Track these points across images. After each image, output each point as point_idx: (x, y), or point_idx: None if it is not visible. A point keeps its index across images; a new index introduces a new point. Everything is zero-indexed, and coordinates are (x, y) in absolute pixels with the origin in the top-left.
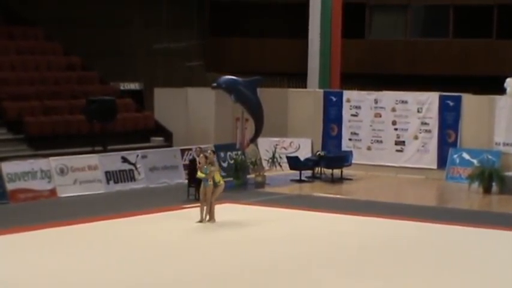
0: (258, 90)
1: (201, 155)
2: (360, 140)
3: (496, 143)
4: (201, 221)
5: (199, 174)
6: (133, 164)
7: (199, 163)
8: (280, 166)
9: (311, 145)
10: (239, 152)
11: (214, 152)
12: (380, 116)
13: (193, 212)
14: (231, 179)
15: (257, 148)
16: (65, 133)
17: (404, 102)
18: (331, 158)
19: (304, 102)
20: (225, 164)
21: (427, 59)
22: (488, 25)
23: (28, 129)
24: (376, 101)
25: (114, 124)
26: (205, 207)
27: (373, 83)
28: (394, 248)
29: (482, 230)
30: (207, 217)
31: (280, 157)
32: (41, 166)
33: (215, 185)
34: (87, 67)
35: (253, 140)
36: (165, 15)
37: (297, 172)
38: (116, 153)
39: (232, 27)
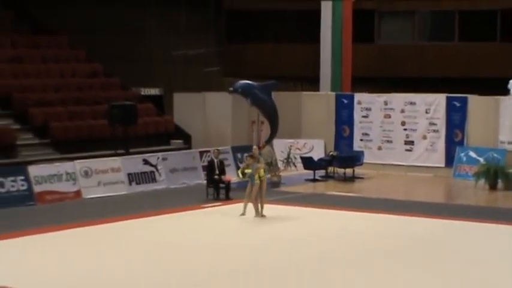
0: (273, 94)
1: (248, 157)
2: (371, 140)
3: (501, 142)
4: (243, 214)
5: (247, 170)
6: (155, 166)
7: (247, 163)
8: (295, 166)
9: (324, 146)
10: None
11: (258, 148)
12: (390, 117)
13: (213, 210)
14: (247, 179)
15: (272, 149)
16: (89, 137)
17: (412, 103)
18: (343, 158)
19: (317, 104)
20: (241, 165)
21: (434, 62)
22: (492, 29)
23: (54, 134)
24: (385, 103)
25: (136, 128)
26: (248, 204)
27: (383, 85)
28: (404, 243)
29: (488, 225)
30: (261, 212)
31: (295, 157)
32: (66, 169)
33: (260, 180)
34: (109, 74)
35: (269, 141)
36: (183, 23)
37: (311, 172)
38: (137, 155)
39: (247, 34)
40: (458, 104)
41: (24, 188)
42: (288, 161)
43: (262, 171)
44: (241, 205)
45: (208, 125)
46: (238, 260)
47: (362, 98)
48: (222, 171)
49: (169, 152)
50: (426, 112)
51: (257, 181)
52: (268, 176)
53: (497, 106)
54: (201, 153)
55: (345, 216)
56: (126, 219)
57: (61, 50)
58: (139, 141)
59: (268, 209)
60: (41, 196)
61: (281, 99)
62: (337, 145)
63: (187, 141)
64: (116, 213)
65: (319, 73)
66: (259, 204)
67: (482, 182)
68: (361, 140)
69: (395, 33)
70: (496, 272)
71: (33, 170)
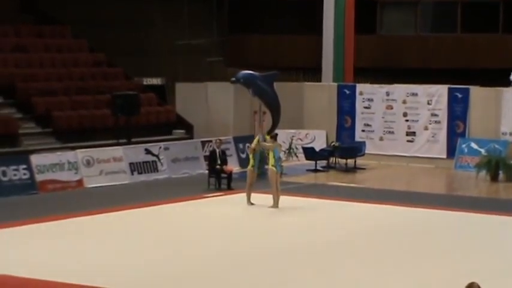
0: (275, 84)
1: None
2: (373, 131)
3: (503, 133)
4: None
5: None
6: (156, 156)
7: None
8: (297, 157)
9: (326, 136)
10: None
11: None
12: (391, 108)
13: (214, 200)
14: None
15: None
16: (91, 127)
17: (414, 94)
18: (345, 149)
19: (319, 95)
20: (243, 155)
21: (436, 53)
22: (495, 20)
23: (56, 123)
24: (387, 94)
25: (138, 118)
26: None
27: (385, 76)
28: (406, 233)
29: (489, 216)
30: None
31: (297, 148)
32: (69, 158)
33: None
34: (112, 63)
35: (271, 132)
36: (186, 13)
37: (313, 162)
38: (139, 145)
39: (250, 24)
40: (460, 95)
41: (27, 176)
42: (289, 151)
43: (272, 160)
44: (242, 195)
45: (210, 115)
46: (239, 249)
47: (364, 89)
48: (224, 161)
49: (171, 142)
50: (428, 103)
51: (273, 168)
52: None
53: (499, 97)
54: (203, 143)
55: (346, 207)
56: (128, 208)
57: (64, 40)
58: (142, 130)
59: (270, 199)
60: (43, 185)
61: (283, 89)
62: (338, 136)
63: (189, 131)
64: (118, 202)
65: (321, 63)
66: (276, 195)
67: (483, 173)
68: (363, 130)
69: (397, 24)
70: (496, 261)
71: (36, 159)
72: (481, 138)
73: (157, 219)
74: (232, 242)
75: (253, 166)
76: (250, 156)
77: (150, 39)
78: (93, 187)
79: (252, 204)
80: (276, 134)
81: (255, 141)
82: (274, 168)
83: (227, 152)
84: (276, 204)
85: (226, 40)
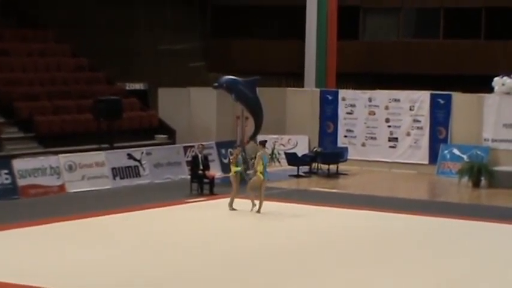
0: (258, 89)
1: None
2: (355, 136)
3: (485, 139)
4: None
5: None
6: (139, 161)
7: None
8: (279, 162)
9: (308, 142)
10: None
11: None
12: (374, 114)
13: (196, 205)
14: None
15: (257, 145)
16: (74, 131)
17: (397, 100)
18: (327, 154)
19: (302, 100)
20: (226, 160)
21: (419, 59)
22: (477, 26)
23: (38, 127)
24: (370, 100)
25: (120, 122)
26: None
27: (368, 82)
28: (387, 239)
29: (471, 222)
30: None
31: (279, 153)
32: (51, 163)
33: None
34: (95, 68)
35: (253, 137)
36: (169, 18)
37: (295, 168)
38: (121, 150)
39: (232, 29)
40: (442, 101)
41: (8, 181)
42: (272, 156)
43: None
44: (224, 200)
45: (192, 120)
46: (221, 253)
47: (346, 95)
48: (206, 167)
49: (154, 147)
50: (410, 109)
51: (260, 175)
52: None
53: (481, 104)
54: (185, 148)
55: (328, 213)
56: (110, 213)
57: (47, 44)
58: (124, 135)
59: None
60: (25, 190)
61: (266, 95)
62: (321, 141)
63: (171, 136)
64: (100, 207)
65: (304, 69)
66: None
67: (465, 179)
68: (345, 136)
69: (380, 30)
70: (477, 266)
71: (18, 164)
72: (463, 144)
73: (139, 224)
74: (214, 247)
75: (236, 172)
76: (232, 164)
77: (133, 44)
78: (75, 192)
79: (234, 209)
80: (265, 141)
81: (237, 151)
82: (261, 176)
83: (209, 157)
84: (259, 210)
85: (209, 45)
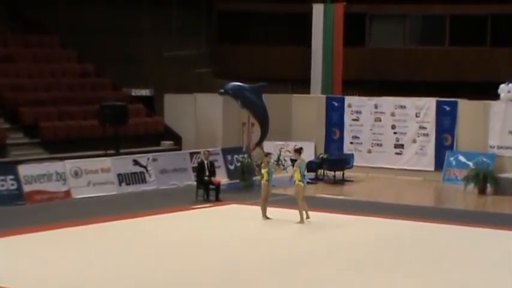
0: (263, 96)
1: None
2: (361, 143)
3: (491, 146)
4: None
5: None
6: (145, 167)
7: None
8: (285, 168)
9: (314, 148)
10: (245, 155)
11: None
12: (380, 121)
13: (202, 212)
14: (237, 180)
15: (263, 151)
16: (79, 137)
17: (403, 107)
18: (333, 161)
19: (308, 107)
20: (232, 167)
21: (424, 66)
22: (483, 33)
23: (44, 133)
24: (376, 106)
25: (126, 128)
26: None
27: (373, 89)
28: (393, 246)
29: (477, 229)
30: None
31: (285, 160)
32: (56, 169)
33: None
34: (100, 74)
35: (259, 143)
36: (175, 24)
37: None
38: (127, 156)
39: (238, 35)
40: (448, 108)
41: (14, 187)
42: (277, 163)
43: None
44: (230, 207)
45: (198, 126)
46: (227, 260)
47: (352, 101)
48: (212, 173)
49: (160, 153)
50: (416, 116)
51: (300, 184)
52: (258, 178)
53: (487, 111)
54: (191, 154)
55: (334, 219)
56: (116, 219)
57: (52, 50)
58: (130, 141)
59: (257, 211)
60: (31, 196)
61: (271, 101)
62: (327, 148)
63: (177, 142)
64: (106, 213)
65: (310, 75)
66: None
67: (471, 186)
68: (351, 143)
69: (386, 37)
70: (484, 274)
71: (23, 170)
72: (469, 151)
73: (144, 231)
74: (220, 254)
75: (267, 180)
76: (263, 170)
77: (139, 50)
78: (81, 198)
79: (268, 218)
80: (301, 148)
81: (267, 158)
82: (301, 183)
83: (215, 164)
84: (302, 220)
85: (215, 51)
